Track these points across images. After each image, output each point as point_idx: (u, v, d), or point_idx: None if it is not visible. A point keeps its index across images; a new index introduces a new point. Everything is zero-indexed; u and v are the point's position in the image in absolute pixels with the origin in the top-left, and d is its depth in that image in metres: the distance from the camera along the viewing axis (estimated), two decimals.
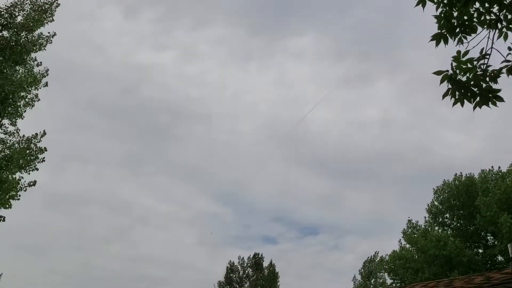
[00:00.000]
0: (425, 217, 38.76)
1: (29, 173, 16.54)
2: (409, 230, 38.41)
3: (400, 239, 39.53)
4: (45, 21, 17.35)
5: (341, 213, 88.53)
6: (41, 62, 17.59)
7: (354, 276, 57.00)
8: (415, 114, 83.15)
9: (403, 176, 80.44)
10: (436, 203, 38.70)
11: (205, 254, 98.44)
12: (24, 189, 16.37)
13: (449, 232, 36.96)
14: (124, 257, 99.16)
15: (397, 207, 79.35)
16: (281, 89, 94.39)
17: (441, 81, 5.74)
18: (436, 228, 38.03)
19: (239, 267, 62.12)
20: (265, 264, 62.28)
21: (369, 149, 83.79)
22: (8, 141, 16.60)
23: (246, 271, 61.84)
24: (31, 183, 16.59)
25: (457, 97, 5.76)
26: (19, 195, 16.28)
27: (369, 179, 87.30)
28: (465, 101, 5.75)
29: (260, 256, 62.49)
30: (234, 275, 61.52)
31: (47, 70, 17.83)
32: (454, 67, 5.73)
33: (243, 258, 62.68)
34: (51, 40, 17.60)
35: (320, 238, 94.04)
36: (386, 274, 55.26)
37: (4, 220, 16.33)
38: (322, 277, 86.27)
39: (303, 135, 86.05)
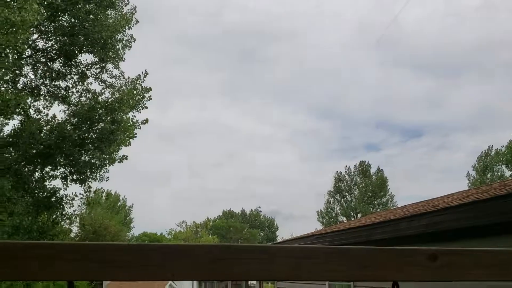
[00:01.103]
0: None
1: (140, 112, 17.37)
2: None
3: None
4: None
5: (445, 111, 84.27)
6: (128, 1, 17.75)
7: (468, 173, 54.80)
8: None
9: (510, 63, 73.70)
10: None
11: (309, 168, 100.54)
12: (139, 127, 17.28)
13: None
14: (235, 178, 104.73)
15: (507, 97, 73.66)
16: None
17: None
18: None
19: (347, 176, 62.64)
20: (372, 171, 62.06)
21: (470, 40, 77.23)
22: (116, 84, 17.40)
23: (354, 180, 62.26)
24: (144, 121, 17.47)
25: None
26: (136, 134, 17.27)
27: (473, 72, 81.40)
28: None
29: (366, 163, 62.23)
30: (343, 184, 62.30)
31: (135, 7, 18.00)
32: None
33: (349, 167, 62.97)
34: None
35: (425, 139, 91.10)
36: (503, 166, 52.49)
37: (127, 159, 17.55)
38: (431, 177, 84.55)
39: (397, 36, 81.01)
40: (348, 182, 62.49)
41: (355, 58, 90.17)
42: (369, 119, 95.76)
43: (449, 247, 1.51)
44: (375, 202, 60.53)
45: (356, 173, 62.41)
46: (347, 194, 62.05)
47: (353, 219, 55.33)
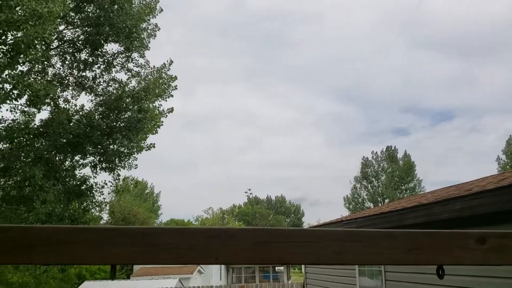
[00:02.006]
0: None
1: (166, 100, 17.49)
2: None
3: None
4: None
5: (477, 93, 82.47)
6: None
7: (498, 157, 53.61)
8: None
9: None
10: None
11: (335, 153, 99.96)
12: (165, 115, 17.43)
13: None
14: (260, 164, 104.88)
15: None
16: None
17: None
18: None
19: (373, 162, 62.05)
20: (399, 155, 61.28)
21: (503, 18, 74.92)
22: (141, 73, 17.55)
23: (381, 165, 61.63)
24: (170, 110, 17.60)
25: None
26: (162, 122, 17.43)
27: (504, 51, 79.06)
28: None
29: (393, 148, 61.50)
30: (369, 170, 61.76)
31: None
32: None
33: (376, 152, 62.33)
34: None
35: (455, 122, 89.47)
36: None
37: (154, 146, 17.75)
38: (461, 161, 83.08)
39: (426, 16, 79.36)
40: (375, 168, 61.90)
41: (381, 40, 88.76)
42: (397, 102, 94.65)
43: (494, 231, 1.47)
44: (402, 187, 59.85)
45: (383, 158, 61.75)
46: (373, 179, 61.51)
47: (380, 205, 54.89)
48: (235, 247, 1.28)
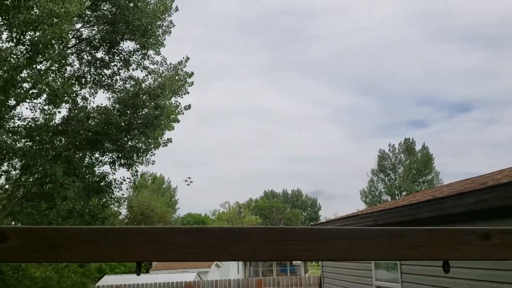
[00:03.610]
0: None
1: (182, 97, 17.65)
2: None
3: None
4: None
5: (496, 83, 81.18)
6: None
7: None
8: None
9: None
10: None
11: (352, 146, 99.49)
12: (182, 112, 17.61)
13: None
14: (276, 158, 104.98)
15: None
16: None
17: None
18: None
19: (390, 154, 61.65)
20: (417, 148, 60.77)
21: None
22: (157, 70, 17.72)
23: (398, 157, 61.20)
24: (187, 107, 17.77)
25: None
26: (178, 118, 17.61)
27: None
28: None
29: (411, 140, 60.99)
30: (386, 162, 61.37)
31: None
32: None
33: (393, 145, 61.91)
34: None
35: (473, 113, 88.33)
36: None
37: (171, 141, 17.96)
38: (480, 152, 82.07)
39: (446, 7, 78.22)
40: (392, 160, 61.48)
41: (399, 32, 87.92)
42: (414, 94, 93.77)
43: (500, 227, 1.52)
44: (420, 180, 59.37)
45: (400, 150, 61.29)
46: (391, 172, 61.12)
47: (397, 197, 54.58)
48: (249, 245, 1.36)
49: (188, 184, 19.91)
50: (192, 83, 17.59)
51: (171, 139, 17.88)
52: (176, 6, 18.23)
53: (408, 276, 7.89)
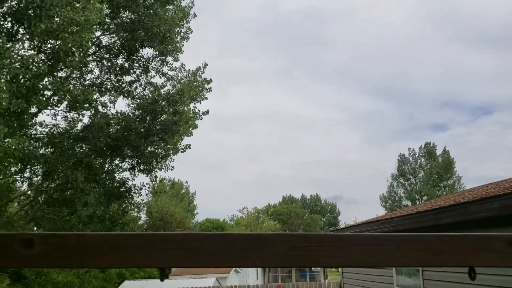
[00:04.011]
0: None
1: (200, 103, 17.77)
2: None
3: None
4: None
5: None
6: None
7: None
8: None
9: None
10: None
11: (371, 151, 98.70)
12: (200, 118, 17.72)
13: None
14: (294, 163, 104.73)
15: None
16: None
17: None
18: None
19: (411, 159, 60.98)
20: (438, 152, 59.98)
21: None
22: (176, 76, 17.87)
23: (419, 162, 60.49)
24: (205, 112, 17.87)
25: None
26: (197, 125, 17.72)
27: None
28: None
29: (431, 145, 60.23)
30: (406, 167, 60.72)
31: (193, 1, 18.31)
32: None
33: (413, 149, 61.20)
34: None
35: (495, 116, 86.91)
36: None
37: (190, 148, 18.07)
38: (502, 156, 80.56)
39: (463, 8, 77.34)
40: (412, 165, 60.78)
41: (418, 35, 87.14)
42: (435, 97, 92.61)
43: None
44: (441, 184, 58.55)
45: (421, 154, 60.56)
46: (411, 177, 60.42)
47: (418, 202, 53.89)
48: (270, 252, 1.37)
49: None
50: (210, 89, 17.70)
51: (190, 145, 18.02)
52: (194, 13, 18.41)
53: (430, 283, 7.79)
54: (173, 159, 17.85)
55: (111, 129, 16.48)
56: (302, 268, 43.37)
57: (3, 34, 13.47)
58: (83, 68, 16.63)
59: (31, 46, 14.27)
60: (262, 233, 1.40)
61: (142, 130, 16.55)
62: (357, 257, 1.40)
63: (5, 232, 1.59)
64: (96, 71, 18.21)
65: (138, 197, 18.02)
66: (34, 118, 16.24)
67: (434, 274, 7.61)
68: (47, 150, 16.84)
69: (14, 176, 16.65)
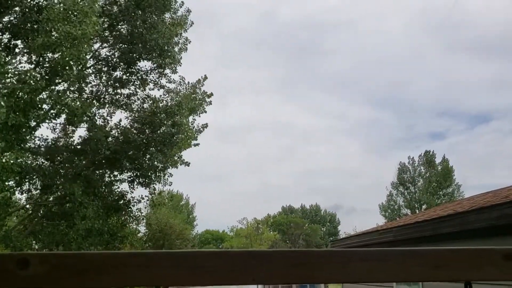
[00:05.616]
0: None
1: (199, 116, 17.78)
2: None
3: None
4: None
5: None
6: (182, 2, 17.99)
7: None
8: None
9: None
10: None
11: (371, 160, 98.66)
12: (199, 131, 17.72)
13: None
14: (294, 173, 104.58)
15: None
16: None
17: None
18: None
19: (410, 167, 60.95)
20: (438, 160, 60.01)
21: None
22: (175, 88, 17.90)
23: (418, 170, 60.46)
24: (204, 126, 17.88)
25: None
26: (196, 138, 17.72)
27: None
28: None
29: (431, 153, 60.25)
30: (406, 175, 60.66)
31: (189, 10, 18.30)
32: None
33: (413, 158, 61.22)
34: None
35: (493, 125, 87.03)
36: None
37: (188, 165, 17.99)
38: (501, 164, 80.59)
39: (461, 17, 77.89)
40: (412, 173, 60.74)
41: (415, 44, 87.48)
42: (434, 106, 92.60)
43: None
44: (440, 192, 58.49)
45: (420, 163, 60.56)
46: (410, 185, 60.35)
47: (417, 211, 53.81)
48: (271, 268, 1.38)
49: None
50: (211, 102, 17.72)
51: (189, 163, 17.91)
52: (192, 21, 18.42)
53: None
54: (171, 174, 17.79)
55: (110, 141, 16.47)
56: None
57: (0, 48, 13.53)
58: (81, 81, 16.65)
59: (29, 60, 14.32)
60: (262, 249, 1.40)
61: (140, 142, 16.54)
62: (359, 273, 1.41)
63: (1, 252, 1.60)
64: (95, 84, 18.24)
65: (137, 211, 17.98)
66: (33, 132, 16.23)
67: (435, 284, 7.58)
68: (45, 163, 16.81)
69: (14, 189, 16.61)
